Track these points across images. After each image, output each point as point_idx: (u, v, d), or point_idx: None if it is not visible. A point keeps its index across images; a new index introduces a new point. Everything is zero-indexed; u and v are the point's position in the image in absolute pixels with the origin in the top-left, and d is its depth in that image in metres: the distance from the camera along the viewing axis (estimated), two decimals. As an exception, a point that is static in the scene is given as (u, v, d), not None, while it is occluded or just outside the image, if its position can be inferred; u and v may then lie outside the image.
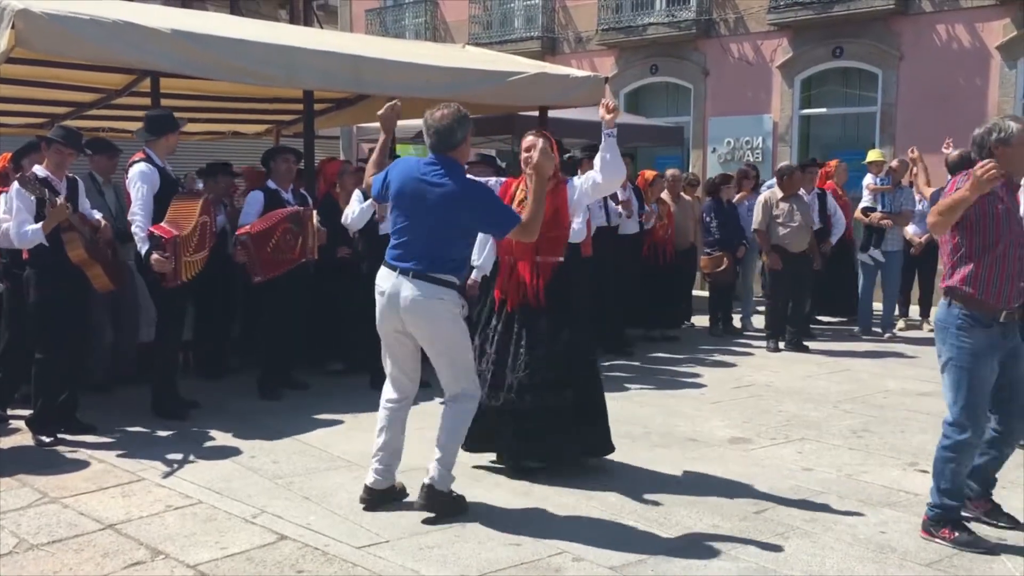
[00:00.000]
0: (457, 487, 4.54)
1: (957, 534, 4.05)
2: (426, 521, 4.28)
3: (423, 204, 4.25)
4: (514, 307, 4.97)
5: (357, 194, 7.02)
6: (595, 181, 4.80)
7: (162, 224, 5.83)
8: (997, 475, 4.34)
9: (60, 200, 5.41)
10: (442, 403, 4.53)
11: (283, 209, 6.73)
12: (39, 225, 5.44)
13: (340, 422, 6.15)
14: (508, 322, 4.98)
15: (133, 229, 5.95)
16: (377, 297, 4.39)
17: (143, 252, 5.86)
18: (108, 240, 5.94)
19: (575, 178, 5.06)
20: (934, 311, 4.52)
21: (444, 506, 4.37)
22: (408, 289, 4.25)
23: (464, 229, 4.38)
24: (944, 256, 4.14)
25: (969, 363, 4.00)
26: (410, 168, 4.37)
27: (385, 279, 4.34)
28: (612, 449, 5.19)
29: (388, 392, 4.54)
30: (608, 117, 4.61)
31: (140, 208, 5.93)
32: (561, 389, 4.91)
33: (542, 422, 4.86)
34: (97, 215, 5.98)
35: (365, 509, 4.44)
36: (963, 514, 4.21)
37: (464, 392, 4.45)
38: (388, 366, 4.53)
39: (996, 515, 4.28)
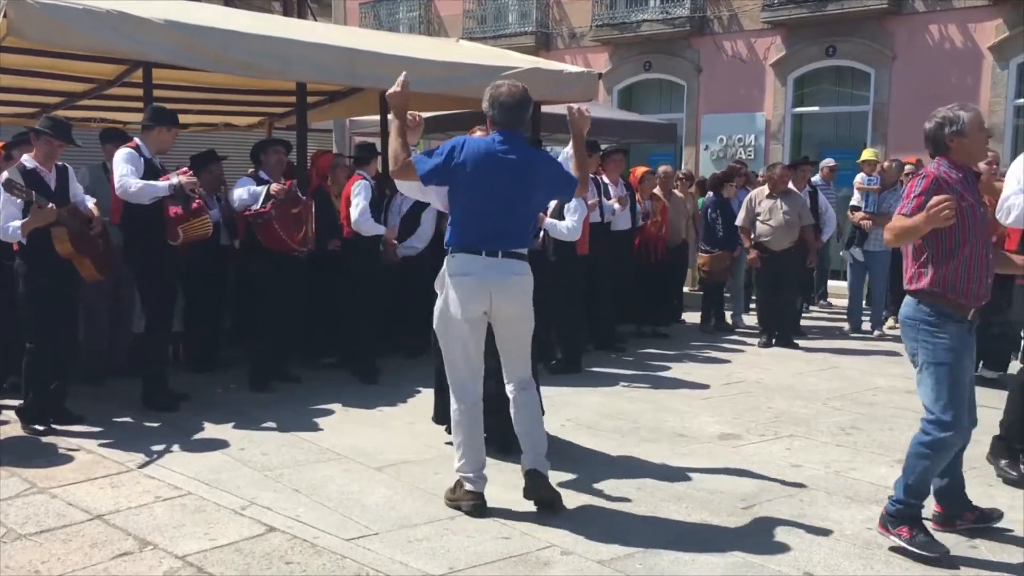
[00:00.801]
0: (447, 481, 4.56)
1: (914, 534, 3.90)
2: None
3: (502, 180, 4.19)
4: None
5: (364, 189, 7.02)
6: (560, 227, 4.77)
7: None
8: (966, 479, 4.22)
9: (51, 206, 5.39)
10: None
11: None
12: (19, 223, 5.43)
13: (331, 414, 6.16)
14: None
15: (134, 190, 5.82)
16: (459, 282, 4.21)
17: (167, 188, 5.85)
18: (99, 231, 5.91)
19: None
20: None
21: (553, 496, 4.33)
22: (505, 268, 4.19)
23: (537, 201, 4.39)
24: (907, 258, 3.97)
25: (947, 358, 3.83)
26: (484, 146, 4.25)
27: (470, 262, 4.20)
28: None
29: (457, 399, 4.36)
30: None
31: (126, 177, 5.84)
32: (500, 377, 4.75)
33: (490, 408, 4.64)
34: (90, 203, 5.92)
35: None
36: (954, 523, 4.12)
37: (528, 378, 4.42)
38: (461, 367, 4.32)
39: (985, 518, 4.15)
